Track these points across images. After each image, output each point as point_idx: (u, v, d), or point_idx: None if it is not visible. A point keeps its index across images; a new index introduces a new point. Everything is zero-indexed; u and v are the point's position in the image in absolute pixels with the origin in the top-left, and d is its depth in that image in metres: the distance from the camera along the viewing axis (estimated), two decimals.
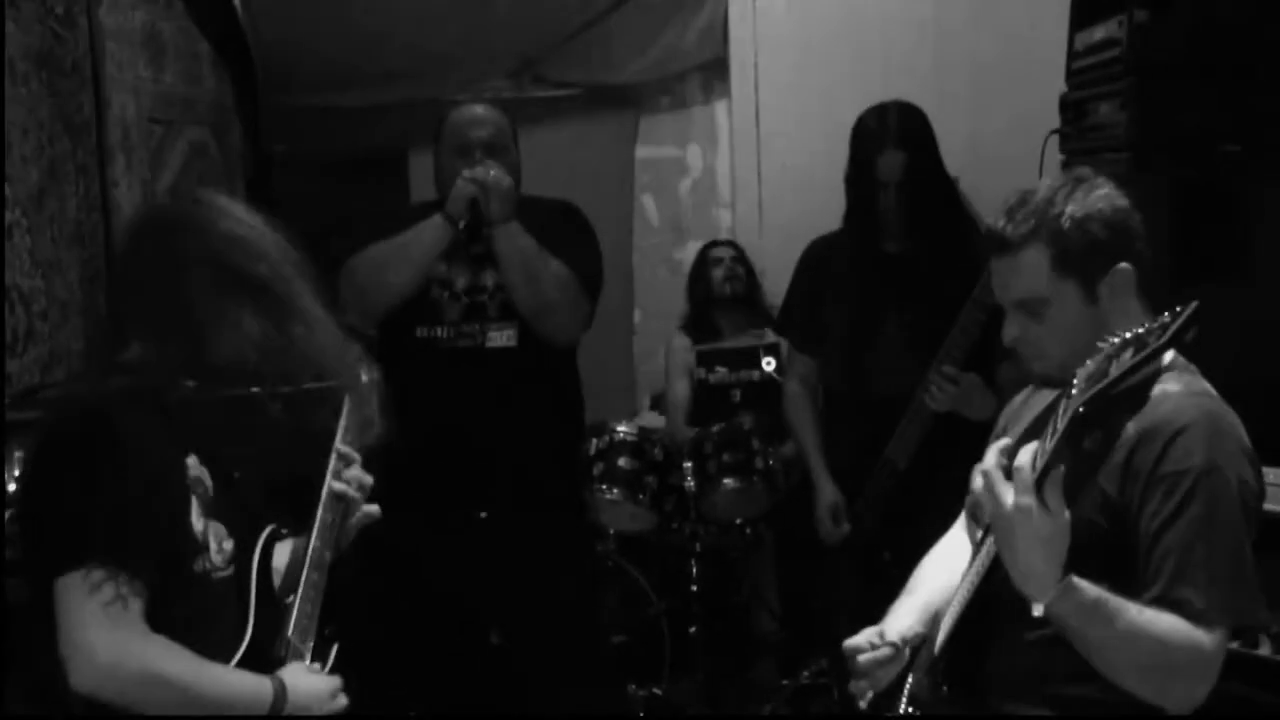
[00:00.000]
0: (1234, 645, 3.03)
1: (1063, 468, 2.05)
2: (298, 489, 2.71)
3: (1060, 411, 2.05)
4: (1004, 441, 2.25)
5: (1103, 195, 2.30)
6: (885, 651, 2.42)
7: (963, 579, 2.37)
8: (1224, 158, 3.45)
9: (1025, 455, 2.09)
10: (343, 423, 2.78)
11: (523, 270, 3.84)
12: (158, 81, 4.21)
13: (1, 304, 3.42)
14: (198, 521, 2.34)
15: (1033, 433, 2.37)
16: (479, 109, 4.02)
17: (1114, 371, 1.97)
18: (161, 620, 2.24)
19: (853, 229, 4.14)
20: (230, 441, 2.43)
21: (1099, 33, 3.68)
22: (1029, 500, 2.06)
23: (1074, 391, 2.02)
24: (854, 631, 2.51)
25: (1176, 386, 2.24)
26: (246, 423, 2.41)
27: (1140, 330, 1.97)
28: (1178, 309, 1.97)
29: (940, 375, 3.84)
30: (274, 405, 2.41)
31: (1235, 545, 2.15)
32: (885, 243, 4.04)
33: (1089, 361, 2.03)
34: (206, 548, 2.36)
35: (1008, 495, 2.09)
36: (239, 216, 2.45)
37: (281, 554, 2.61)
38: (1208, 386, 2.30)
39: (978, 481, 2.20)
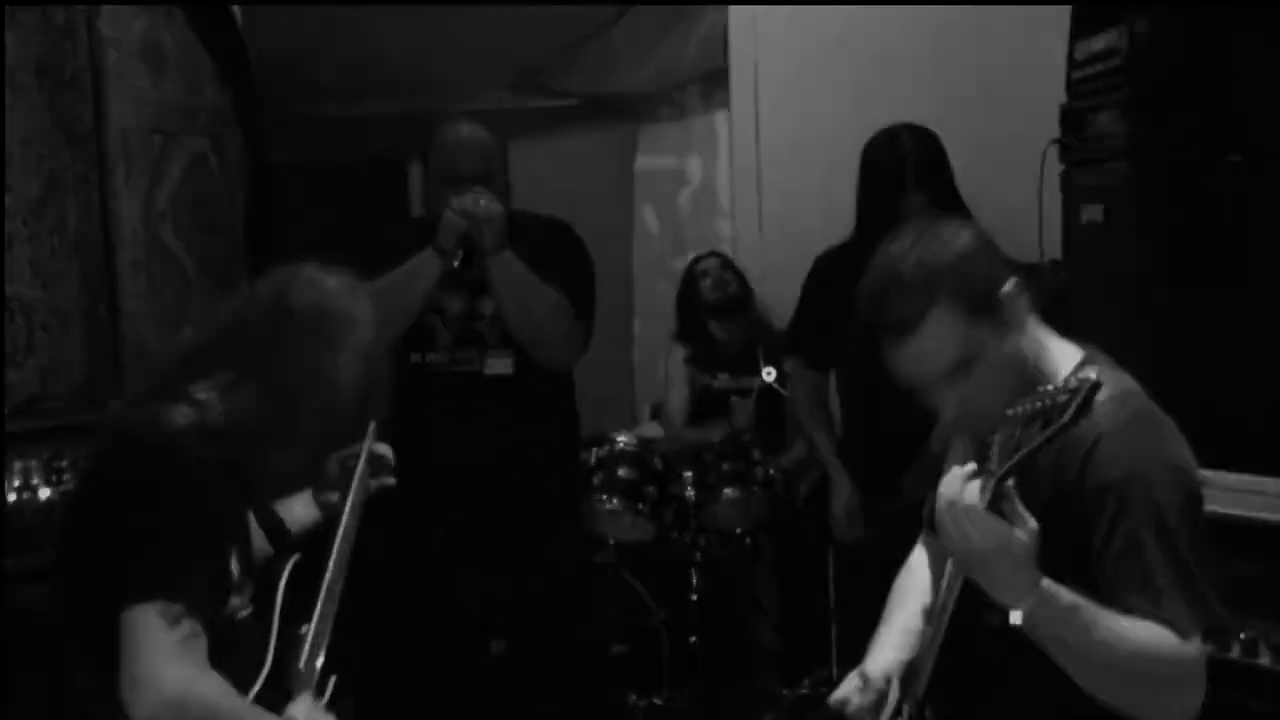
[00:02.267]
0: (1234, 655, 3.07)
1: (1011, 481, 2.00)
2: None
3: (986, 470, 2.02)
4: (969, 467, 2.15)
5: (953, 229, 2.22)
6: (871, 696, 2.37)
7: (934, 606, 2.34)
8: (1224, 167, 3.45)
9: (972, 494, 2.01)
10: (359, 471, 2.84)
11: (517, 299, 3.82)
12: (158, 91, 4.20)
13: (1, 314, 3.42)
14: (235, 565, 2.38)
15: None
16: (465, 130, 3.95)
17: (1025, 446, 1.95)
18: None
19: (867, 259, 4.12)
20: (269, 486, 2.46)
21: (1099, 43, 3.68)
22: (992, 527, 2.00)
23: (991, 466, 1.99)
24: (865, 640, 2.50)
25: (1103, 394, 2.18)
26: (289, 472, 2.46)
27: (1044, 403, 1.92)
28: (1079, 380, 1.92)
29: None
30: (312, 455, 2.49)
31: (1174, 551, 2.08)
32: None
33: (1000, 430, 1.99)
34: (234, 589, 2.39)
35: (972, 531, 2.02)
36: (350, 297, 2.51)
37: (299, 508, 2.69)
38: (1131, 384, 2.24)
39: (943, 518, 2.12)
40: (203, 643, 2.23)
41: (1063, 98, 3.90)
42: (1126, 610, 2.06)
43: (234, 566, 2.37)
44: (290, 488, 2.84)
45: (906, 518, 3.92)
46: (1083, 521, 2.13)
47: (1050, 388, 1.95)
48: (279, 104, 5.23)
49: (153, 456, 2.30)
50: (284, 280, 2.52)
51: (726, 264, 5.38)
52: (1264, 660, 3.06)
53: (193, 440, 2.30)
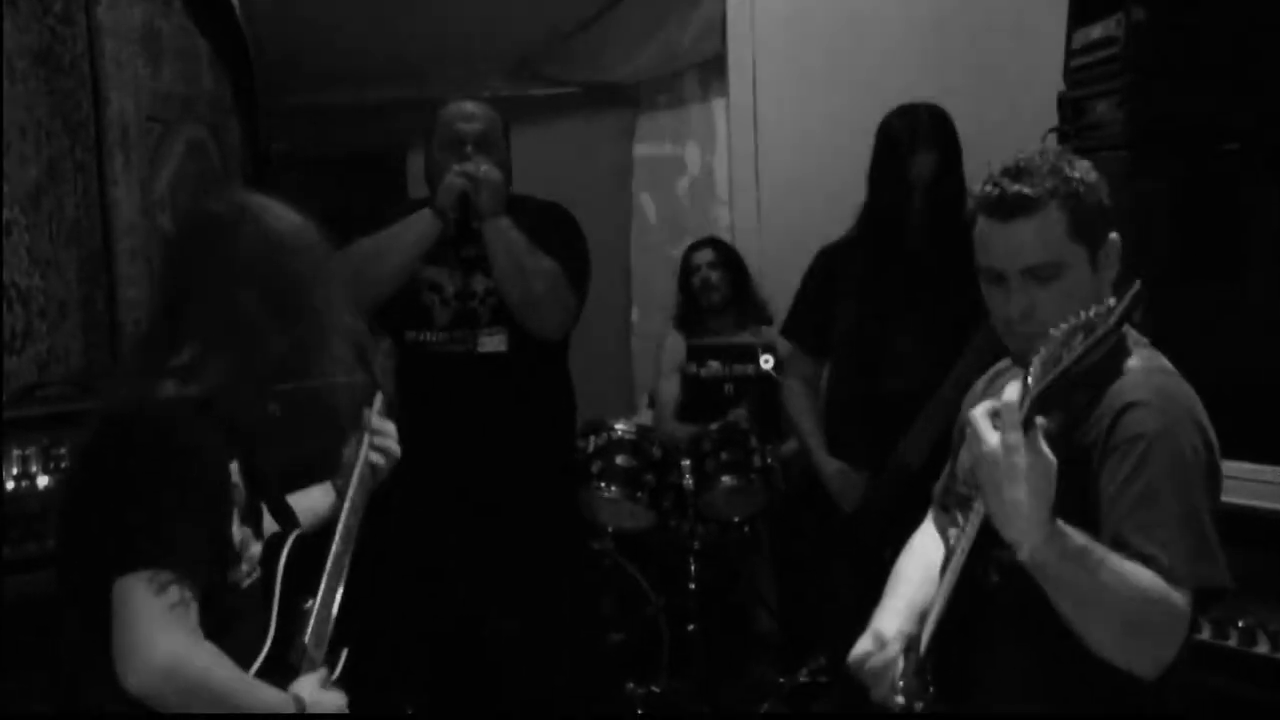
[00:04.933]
0: (1231, 643, 3.08)
1: (1045, 420, 2.02)
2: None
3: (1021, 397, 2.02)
4: (988, 403, 2.15)
5: (1091, 166, 2.32)
6: (893, 651, 2.40)
7: (942, 576, 2.35)
8: (1222, 155, 3.45)
9: (1011, 392, 2.03)
10: (366, 437, 2.83)
11: (512, 264, 3.85)
12: (156, 80, 4.21)
13: (0, 302, 3.43)
14: (237, 531, 2.36)
15: None
16: (470, 105, 4.02)
17: (1066, 359, 1.95)
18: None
19: (873, 227, 4.12)
20: (266, 447, 2.44)
21: (1097, 30, 3.68)
22: (1016, 436, 2.00)
23: (1030, 381, 2.00)
24: (852, 630, 2.50)
25: (1136, 363, 2.24)
26: (285, 429, 2.43)
27: (1089, 314, 1.94)
28: (1123, 293, 1.94)
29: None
30: (312, 411, 2.45)
31: (1192, 507, 2.12)
32: (908, 243, 4.03)
33: (1042, 348, 2.00)
34: (240, 556, 2.37)
35: (992, 435, 2.03)
36: (288, 219, 2.45)
37: (317, 495, 2.70)
38: (1165, 363, 2.29)
39: (966, 428, 2.14)
40: (194, 610, 2.20)
41: (1061, 85, 3.90)
42: (1128, 554, 2.08)
43: (236, 533, 2.35)
44: (306, 463, 2.84)
45: (898, 495, 3.97)
46: (1101, 470, 2.16)
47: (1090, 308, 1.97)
48: (276, 92, 5.23)
49: (135, 432, 2.29)
50: (215, 227, 2.47)
51: (717, 261, 5.33)
52: (1261, 649, 3.07)
53: (174, 411, 2.29)
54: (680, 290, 5.43)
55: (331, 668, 2.55)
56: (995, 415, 2.04)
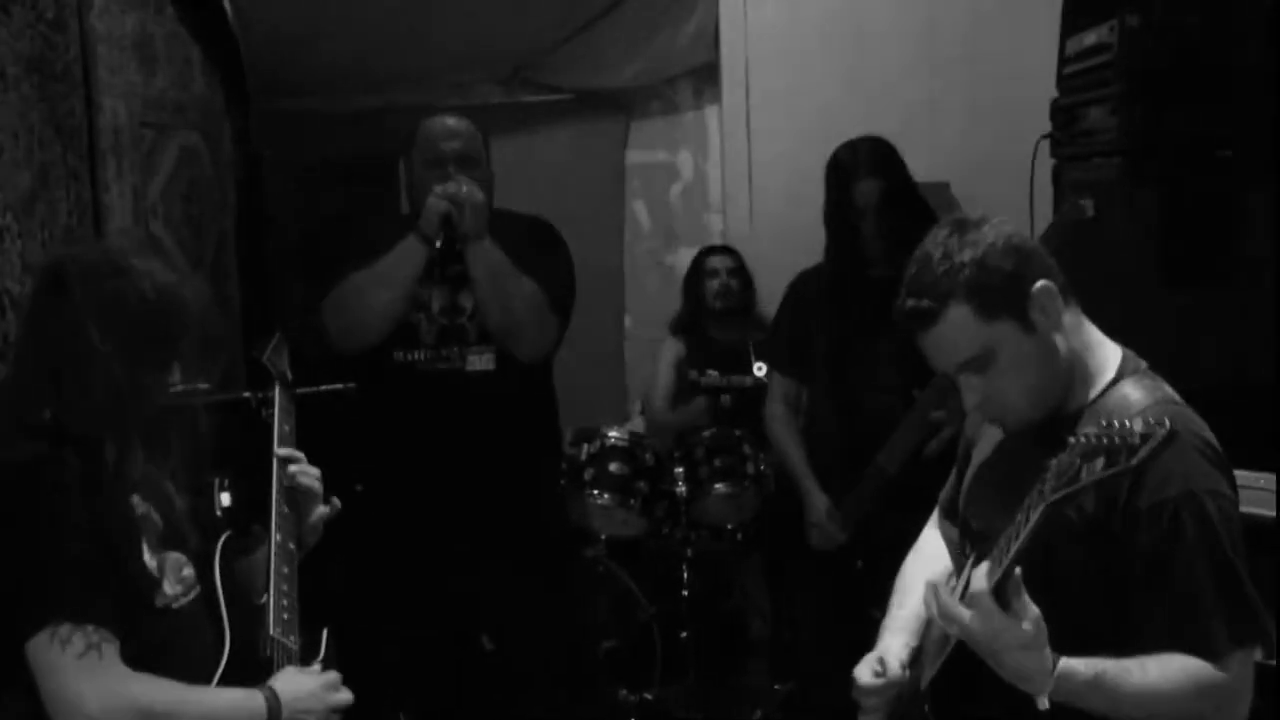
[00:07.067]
0: None
1: (1019, 570, 2.00)
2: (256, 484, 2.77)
3: (1027, 504, 2.01)
4: (982, 567, 2.14)
5: (989, 229, 2.23)
6: (894, 678, 2.38)
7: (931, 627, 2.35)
8: (1215, 163, 3.46)
9: (980, 580, 2.04)
10: (276, 422, 2.83)
11: (494, 288, 3.81)
12: (149, 86, 4.20)
13: None
14: (150, 559, 2.34)
15: (999, 474, 2.36)
16: (450, 120, 3.96)
17: (1085, 478, 1.93)
18: (137, 660, 2.24)
19: (835, 259, 4.19)
20: (167, 469, 2.42)
21: (1090, 38, 3.69)
22: (996, 621, 2.01)
23: (1046, 489, 1.98)
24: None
25: (1138, 394, 2.21)
26: (176, 449, 2.41)
27: (1112, 440, 1.91)
28: (1151, 425, 1.91)
29: None
30: (198, 424, 2.44)
31: (1229, 571, 2.11)
32: (869, 269, 4.07)
33: (1060, 455, 1.98)
34: (162, 582, 2.35)
35: (976, 624, 2.04)
36: (143, 270, 2.38)
37: (252, 560, 2.64)
38: (1167, 391, 2.25)
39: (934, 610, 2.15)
40: (110, 649, 2.20)
41: (1054, 92, 3.90)
42: (1165, 631, 2.09)
43: (151, 561, 2.34)
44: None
45: (873, 501, 3.99)
46: (1125, 535, 2.13)
47: (1120, 424, 1.93)
48: (269, 97, 5.23)
49: (4, 496, 2.26)
50: (48, 278, 2.42)
51: (735, 269, 5.36)
52: (1255, 656, 3.07)
53: (41, 467, 2.26)
54: (686, 292, 5.43)
55: (315, 650, 2.55)
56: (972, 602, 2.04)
